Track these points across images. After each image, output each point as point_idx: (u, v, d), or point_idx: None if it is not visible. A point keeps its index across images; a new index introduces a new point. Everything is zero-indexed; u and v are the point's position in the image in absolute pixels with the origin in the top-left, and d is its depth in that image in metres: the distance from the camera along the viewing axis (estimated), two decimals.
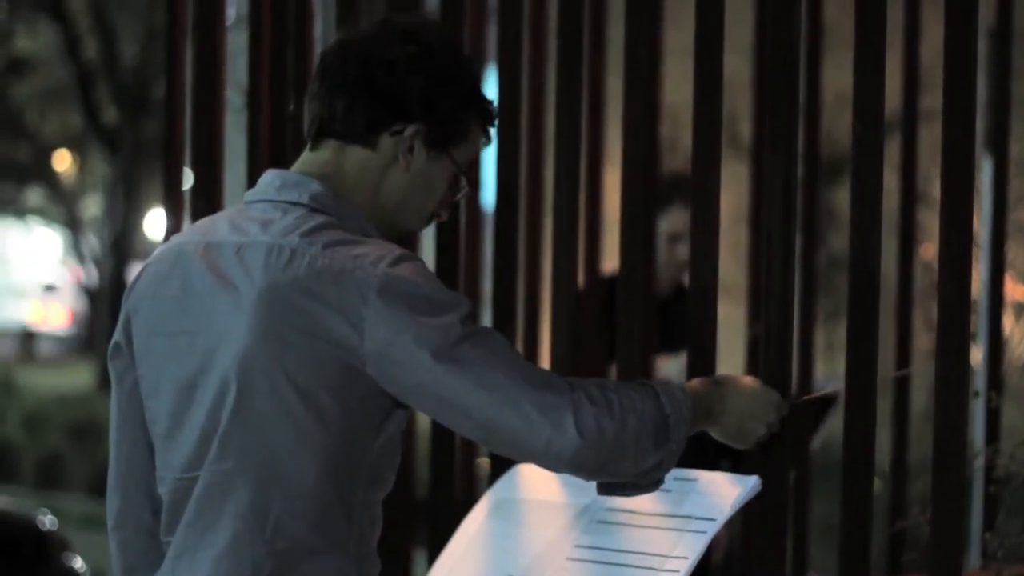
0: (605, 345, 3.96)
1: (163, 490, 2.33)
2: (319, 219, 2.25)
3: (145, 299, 2.34)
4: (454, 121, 2.33)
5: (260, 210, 2.30)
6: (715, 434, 2.43)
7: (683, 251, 4.35)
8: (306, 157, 2.35)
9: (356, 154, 2.32)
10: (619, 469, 2.24)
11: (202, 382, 2.26)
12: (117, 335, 2.38)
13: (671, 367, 4.21)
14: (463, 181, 2.39)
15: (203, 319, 2.26)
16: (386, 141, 2.31)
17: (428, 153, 2.32)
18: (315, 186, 2.29)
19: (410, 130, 2.30)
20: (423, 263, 2.24)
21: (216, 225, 2.32)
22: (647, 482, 2.29)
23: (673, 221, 4.32)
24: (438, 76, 2.31)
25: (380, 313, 2.16)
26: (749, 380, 2.47)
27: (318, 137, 2.34)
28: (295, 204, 2.28)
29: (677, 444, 2.28)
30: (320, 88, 2.33)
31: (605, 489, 2.32)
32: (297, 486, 2.21)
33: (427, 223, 2.41)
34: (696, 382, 2.39)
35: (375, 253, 2.20)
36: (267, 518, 2.21)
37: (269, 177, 2.34)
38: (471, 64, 2.39)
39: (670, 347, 4.28)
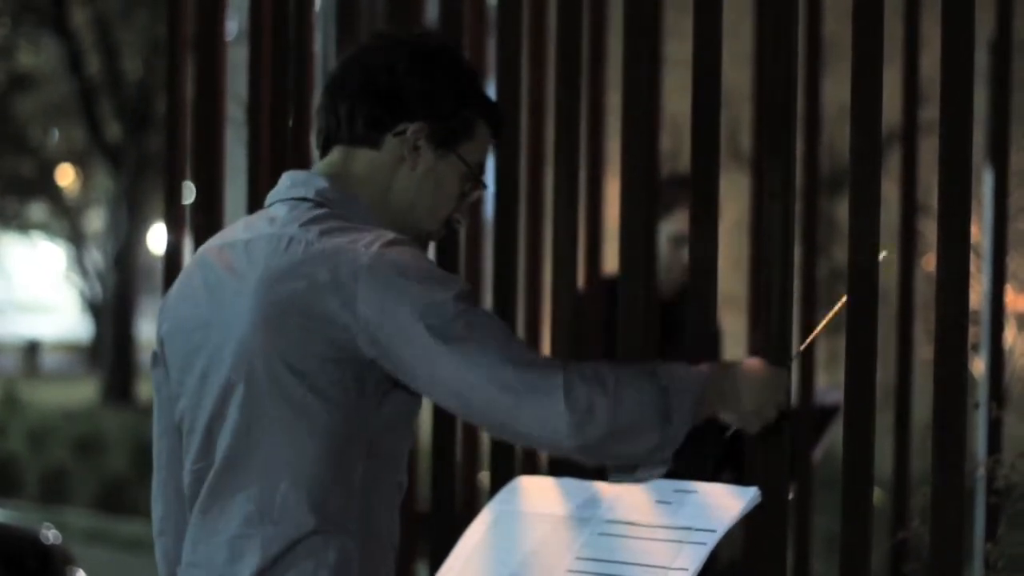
0: (605, 346, 3.94)
1: (184, 483, 2.37)
2: (320, 211, 2.31)
3: (171, 305, 2.42)
4: (457, 118, 2.37)
5: (274, 209, 2.37)
6: (729, 418, 2.42)
7: (687, 253, 4.28)
8: (317, 164, 2.42)
9: (363, 156, 2.37)
10: (622, 447, 2.24)
11: (213, 370, 2.31)
12: (156, 345, 2.45)
13: None
14: (479, 180, 2.41)
15: (215, 311, 2.31)
16: (391, 142, 2.36)
17: (435, 152, 2.37)
18: (321, 182, 2.35)
19: (413, 128, 2.34)
20: (418, 248, 2.27)
21: (235, 228, 2.40)
22: (653, 461, 2.30)
23: (677, 223, 4.25)
24: (437, 75, 2.35)
25: (373, 289, 2.18)
26: (755, 362, 2.46)
27: (326, 145, 2.41)
28: (302, 199, 2.34)
29: (680, 418, 2.26)
30: (325, 100, 2.40)
31: (615, 473, 2.33)
32: (299, 466, 2.24)
33: (445, 227, 2.43)
34: (705, 365, 2.37)
35: (369, 237, 2.24)
36: (274, 499, 2.24)
37: (284, 178, 2.41)
38: (470, 65, 2.44)
39: (674, 350, 4.22)
